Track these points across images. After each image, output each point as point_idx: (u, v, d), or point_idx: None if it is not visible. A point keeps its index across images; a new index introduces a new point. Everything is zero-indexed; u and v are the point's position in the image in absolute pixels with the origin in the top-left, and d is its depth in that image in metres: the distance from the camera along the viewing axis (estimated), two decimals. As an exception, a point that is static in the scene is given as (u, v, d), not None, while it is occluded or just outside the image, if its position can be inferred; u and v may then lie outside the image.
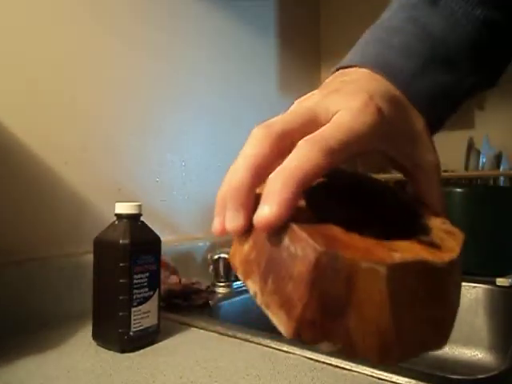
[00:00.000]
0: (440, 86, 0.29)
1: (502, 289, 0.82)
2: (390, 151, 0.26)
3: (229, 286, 0.82)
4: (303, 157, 0.20)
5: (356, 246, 0.20)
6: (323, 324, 0.20)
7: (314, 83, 1.41)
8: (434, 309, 0.21)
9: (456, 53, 0.29)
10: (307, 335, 0.20)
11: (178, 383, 0.44)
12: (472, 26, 0.29)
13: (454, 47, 0.29)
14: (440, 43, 0.28)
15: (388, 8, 0.33)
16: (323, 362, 0.49)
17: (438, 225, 0.25)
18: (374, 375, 0.45)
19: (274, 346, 0.53)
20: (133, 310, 0.52)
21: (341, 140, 0.21)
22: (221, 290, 0.81)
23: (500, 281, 0.82)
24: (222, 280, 0.82)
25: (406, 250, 0.20)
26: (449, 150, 1.54)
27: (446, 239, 0.24)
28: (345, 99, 0.23)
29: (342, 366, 0.47)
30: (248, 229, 0.21)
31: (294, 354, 0.51)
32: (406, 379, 0.44)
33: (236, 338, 0.57)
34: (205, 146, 0.98)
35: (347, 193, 0.27)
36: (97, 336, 0.54)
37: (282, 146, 0.21)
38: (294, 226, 0.20)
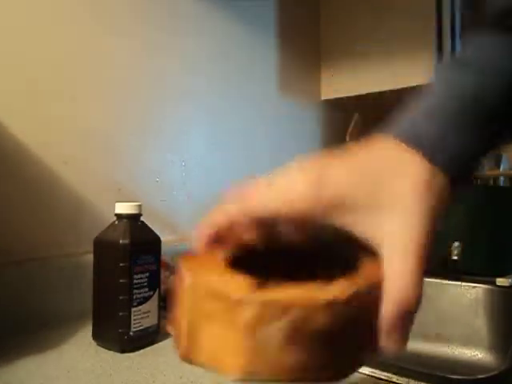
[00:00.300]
0: (470, 144, 0.27)
1: (502, 289, 0.82)
2: (346, 226, 0.25)
3: (229, 286, 0.82)
4: (224, 207, 0.28)
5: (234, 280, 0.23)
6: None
7: (313, 83, 1.41)
8: (288, 353, 0.21)
9: (488, 109, 0.28)
10: None
11: (177, 383, 0.44)
12: (501, 81, 0.28)
13: (485, 104, 0.28)
14: (471, 102, 0.28)
15: (432, 71, 0.33)
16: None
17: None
18: (375, 375, 0.45)
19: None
20: (133, 309, 0.52)
21: (259, 206, 0.26)
22: (221, 290, 0.81)
23: (500, 281, 0.82)
24: (222, 280, 0.82)
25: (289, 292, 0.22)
26: (449, 150, 1.54)
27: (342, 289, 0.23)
28: (295, 171, 0.26)
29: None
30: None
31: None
32: (406, 379, 0.44)
33: (236, 338, 0.57)
34: (205, 145, 0.97)
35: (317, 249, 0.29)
36: (97, 336, 0.54)
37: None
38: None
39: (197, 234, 0.28)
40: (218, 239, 0.28)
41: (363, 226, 0.25)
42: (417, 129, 0.27)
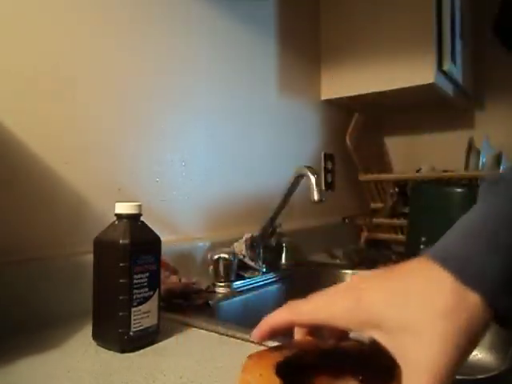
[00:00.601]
0: (500, 261, 0.27)
1: (502, 289, 0.81)
2: (378, 340, 0.29)
3: (229, 286, 0.82)
4: (278, 312, 0.35)
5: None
6: None
7: (313, 84, 1.41)
8: None
9: None
10: None
11: (177, 383, 0.44)
12: None
13: None
14: (505, 223, 0.28)
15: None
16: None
17: None
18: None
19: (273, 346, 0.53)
20: (133, 310, 0.52)
21: (303, 313, 0.33)
22: (221, 290, 0.81)
23: (500, 281, 0.82)
24: (222, 280, 0.82)
25: None
26: (449, 150, 1.54)
27: None
28: (340, 290, 0.33)
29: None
30: None
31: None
32: (406, 379, 0.44)
33: (236, 338, 0.57)
34: (205, 146, 0.98)
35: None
36: (97, 336, 0.54)
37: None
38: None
39: (256, 333, 0.35)
40: (274, 337, 0.35)
41: (391, 345, 0.29)
42: (448, 250, 0.30)
